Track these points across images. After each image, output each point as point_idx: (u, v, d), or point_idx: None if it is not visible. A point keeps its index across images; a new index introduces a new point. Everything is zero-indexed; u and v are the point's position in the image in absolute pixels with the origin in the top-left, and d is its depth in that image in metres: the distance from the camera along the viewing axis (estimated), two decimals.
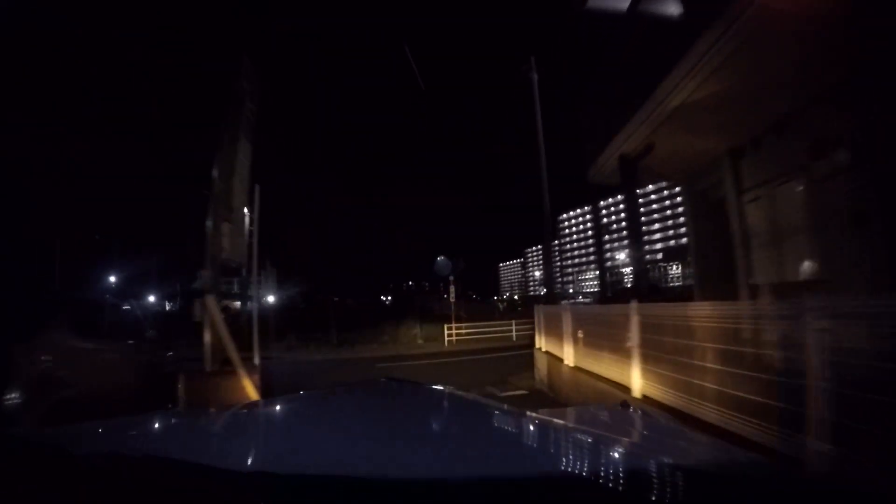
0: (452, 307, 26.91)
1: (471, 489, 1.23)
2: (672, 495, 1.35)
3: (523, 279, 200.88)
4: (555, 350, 11.12)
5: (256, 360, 9.62)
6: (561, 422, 2.48)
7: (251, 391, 7.59)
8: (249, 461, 1.65)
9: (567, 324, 9.85)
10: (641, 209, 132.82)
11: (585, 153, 12.58)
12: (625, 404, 2.77)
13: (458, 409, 2.68)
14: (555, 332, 11.14)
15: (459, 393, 3.00)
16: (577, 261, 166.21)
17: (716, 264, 10.68)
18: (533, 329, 24.95)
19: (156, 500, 1.17)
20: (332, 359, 21.37)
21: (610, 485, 1.40)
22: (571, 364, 9.52)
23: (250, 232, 11.03)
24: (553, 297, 19.14)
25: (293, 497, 1.16)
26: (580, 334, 9.07)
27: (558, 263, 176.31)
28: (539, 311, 14.05)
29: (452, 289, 26.68)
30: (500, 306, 63.73)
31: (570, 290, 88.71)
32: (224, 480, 1.22)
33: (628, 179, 10.84)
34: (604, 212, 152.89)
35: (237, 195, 9.69)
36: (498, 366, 16.82)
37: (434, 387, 3.28)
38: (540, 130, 17.19)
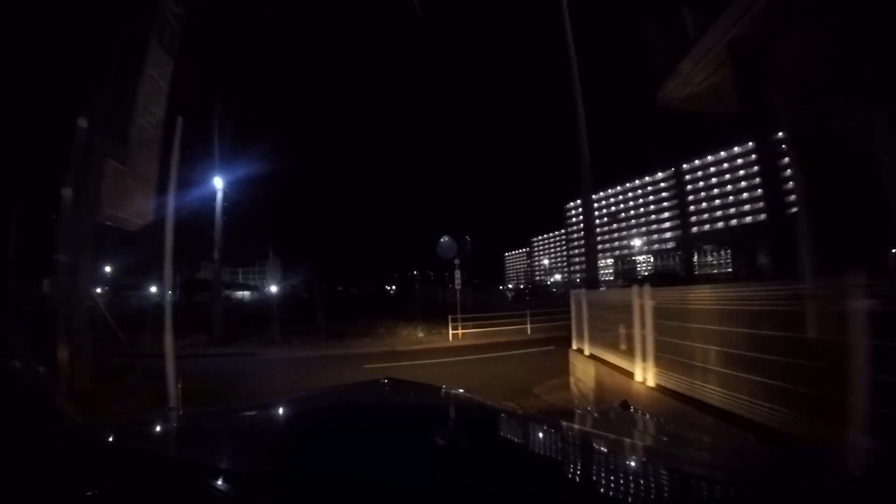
0: (458, 295, 23.13)
1: (471, 491, 1.23)
2: (673, 496, 1.43)
3: (529, 268, 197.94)
4: (611, 356, 7.56)
5: (169, 360, 7.07)
6: (563, 423, 2.46)
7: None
8: (249, 461, 1.61)
9: (643, 317, 6.24)
10: (650, 197, 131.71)
11: (657, 61, 8.61)
12: (624, 405, 2.76)
13: (459, 409, 2.63)
14: (610, 330, 7.61)
15: (460, 393, 3.03)
16: (583, 250, 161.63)
17: (849, 231, 7.10)
18: (551, 322, 21.75)
19: (156, 500, 1.19)
20: (312, 356, 18.06)
21: (611, 487, 1.43)
22: (651, 383, 5.97)
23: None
24: (595, 280, 15.37)
25: (293, 497, 1.19)
26: (681, 338, 5.36)
27: (565, 253, 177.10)
28: (580, 299, 9.96)
29: (458, 274, 22.88)
30: (509, 295, 60.52)
31: (578, 279, 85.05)
32: (225, 480, 1.25)
33: (747, 78, 6.72)
34: (612, 200, 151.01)
35: (139, 125, 6.24)
36: (517, 370, 13.63)
37: (434, 386, 3.28)
38: (573, 53, 13.30)
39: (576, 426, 2.49)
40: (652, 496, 1.41)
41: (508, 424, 2.35)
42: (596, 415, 2.99)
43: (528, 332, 22.64)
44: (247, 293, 64.75)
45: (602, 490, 1.38)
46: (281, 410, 2.70)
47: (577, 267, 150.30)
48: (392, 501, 1.17)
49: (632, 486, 1.47)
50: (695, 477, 1.66)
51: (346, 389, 3.48)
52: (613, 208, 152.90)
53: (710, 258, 68.08)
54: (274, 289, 45.28)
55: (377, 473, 1.34)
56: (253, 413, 2.63)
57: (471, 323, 22.42)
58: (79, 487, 1.20)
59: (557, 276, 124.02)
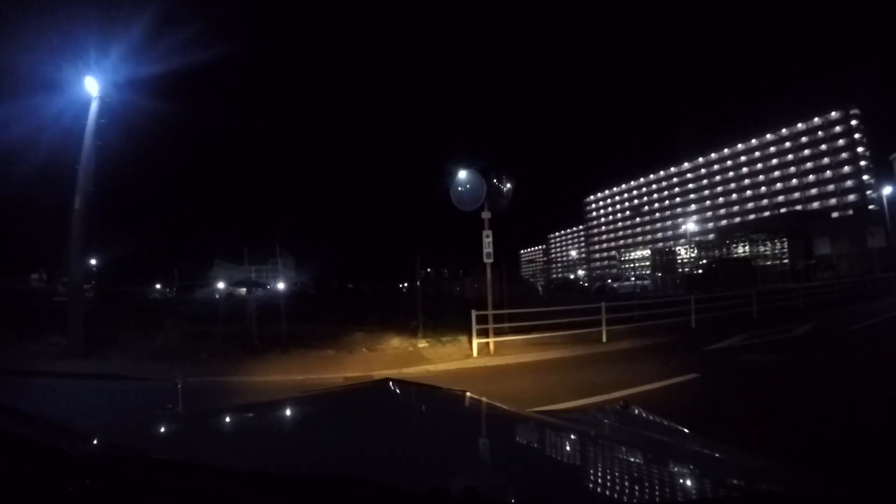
0: (489, 274, 13.05)
1: (473, 491, 1.19)
2: (674, 495, 1.47)
3: (546, 266, 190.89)
4: None
5: None
6: (562, 423, 2.47)
7: None
8: (251, 461, 1.57)
9: None
10: (692, 185, 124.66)
11: None
12: (625, 404, 2.77)
13: (460, 409, 2.72)
14: None
15: (461, 393, 3.13)
16: (605, 245, 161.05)
17: None
18: (627, 321, 14.98)
19: (156, 500, 1.20)
20: (202, 386, 8.87)
21: (612, 486, 1.47)
22: None
23: None
24: None
25: (293, 497, 1.20)
26: None
27: (584, 248, 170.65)
28: None
29: (488, 237, 12.72)
30: (540, 288, 51.43)
31: (609, 275, 77.32)
32: (225, 480, 1.26)
33: None
34: (634, 192, 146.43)
35: None
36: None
37: (436, 387, 3.29)
38: None
39: (577, 425, 2.40)
40: (653, 496, 1.42)
41: (510, 424, 2.40)
42: (597, 414, 2.82)
43: (605, 340, 13.51)
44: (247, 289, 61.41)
45: (603, 489, 1.41)
46: (282, 411, 2.70)
47: (600, 263, 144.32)
48: (393, 502, 1.17)
49: (632, 485, 1.48)
50: (697, 476, 1.66)
51: (348, 389, 3.41)
52: (636, 201, 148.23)
53: (762, 248, 59.53)
54: (281, 286, 41.65)
55: (378, 474, 1.26)
56: (254, 413, 2.63)
57: (507, 325, 13.13)
58: (79, 488, 1.18)
59: (580, 272, 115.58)
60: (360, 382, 3.51)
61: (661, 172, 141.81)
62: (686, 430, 2.34)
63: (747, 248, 62.25)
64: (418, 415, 2.49)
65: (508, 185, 12.90)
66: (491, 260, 12.50)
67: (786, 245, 57.92)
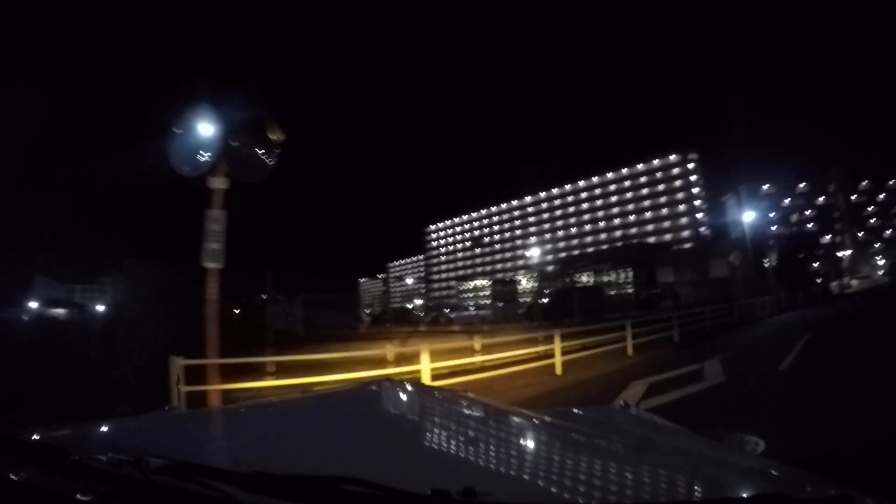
0: (213, 288, 6.95)
1: (471, 491, 1.17)
2: (673, 495, 1.40)
3: (385, 294, 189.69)
4: None
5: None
6: (562, 423, 2.37)
7: None
8: (248, 461, 1.43)
9: None
10: (533, 218, 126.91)
11: None
12: (625, 404, 2.80)
13: (459, 409, 2.61)
14: None
15: (460, 393, 3.14)
16: (444, 275, 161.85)
17: None
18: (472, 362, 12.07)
19: (156, 500, 1.19)
20: None
21: (612, 486, 1.44)
22: None
23: None
24: None
25: (292, 497, 1.18)
26: None
27: (424, 278, 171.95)
28: None
29: (217, 225, 6.99)
30: (366, 318, 47.49)
31: (447, 304, 76.73)
32: (223, 481, 1.22)
33: None
34: (476, 223, 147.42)
35: None
36: None
37: (434, 387, 3.46)
38: None
39: (577, 425, 2.38)
40: (653, 496, 1.40)
41: (510, 424, 2.33)
42: (597, 414, 2.79)
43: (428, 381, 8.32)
44: (62, 311, 54.47)
45: (603, 489, 1.40)
46: (281, 411, 2.64)
47: (440, 293, 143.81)
48: (393, 502, 1.15)
49: (632, 485, 1.47)
50: (697, 476, 1.62)
51: (346, 390, 3.51)
52: (477, 232, 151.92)
53: (606, 278, 60.64)
54: (101, 308, 40.68)
55: (377, 474, 1.21)
56: (253, 414, 2.65)
57: (271, 383, 8.10)
58: (78, 487, 1.18)
59: (418, 301, 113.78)
60: (359, 383, 3.56)
61: (503, 205, 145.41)
62: (686, 430, 2.27)
63: (591, 277, 61.81)
64: (418, 414, 2.43)
65: (272, 139, 7.25)
66: (218, 265, 6.87)
67: (630, 275, 57.67)
